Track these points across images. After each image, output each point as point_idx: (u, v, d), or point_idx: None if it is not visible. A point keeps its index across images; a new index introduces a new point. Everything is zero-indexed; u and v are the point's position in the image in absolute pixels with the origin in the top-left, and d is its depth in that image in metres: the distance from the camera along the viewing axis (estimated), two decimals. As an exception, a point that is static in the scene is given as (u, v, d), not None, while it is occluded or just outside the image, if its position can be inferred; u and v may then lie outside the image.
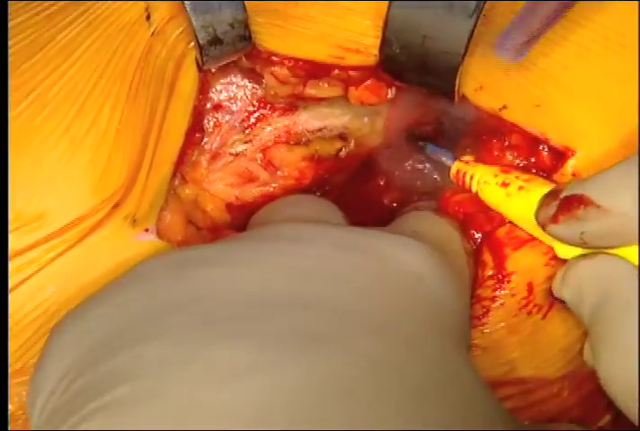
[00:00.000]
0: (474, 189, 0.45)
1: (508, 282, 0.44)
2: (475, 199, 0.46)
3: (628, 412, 0.33)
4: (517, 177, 0.42)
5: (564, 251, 0.40)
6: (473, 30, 0.40)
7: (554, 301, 0.43)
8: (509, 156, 0.45)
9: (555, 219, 0.35)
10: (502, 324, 0.44)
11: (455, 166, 0.47)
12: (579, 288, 0.37)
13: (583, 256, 0.37)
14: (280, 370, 0.29)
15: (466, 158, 0.47)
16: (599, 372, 0.35)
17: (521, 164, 0.45)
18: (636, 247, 0.35)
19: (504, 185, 0.42)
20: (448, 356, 0.34)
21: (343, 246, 0.37)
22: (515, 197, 0.41)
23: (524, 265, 0.44)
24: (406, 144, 0.53)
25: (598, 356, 0.34)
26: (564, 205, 0.35)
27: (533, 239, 0.43)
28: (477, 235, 0.46)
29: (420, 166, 0.53)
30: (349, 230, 0.40)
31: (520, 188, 0.41)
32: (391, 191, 0.54)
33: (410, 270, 0.37)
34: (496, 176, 0.43)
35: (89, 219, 0.43)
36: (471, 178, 0.45)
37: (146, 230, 0.45)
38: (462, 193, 0.47)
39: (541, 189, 0.40)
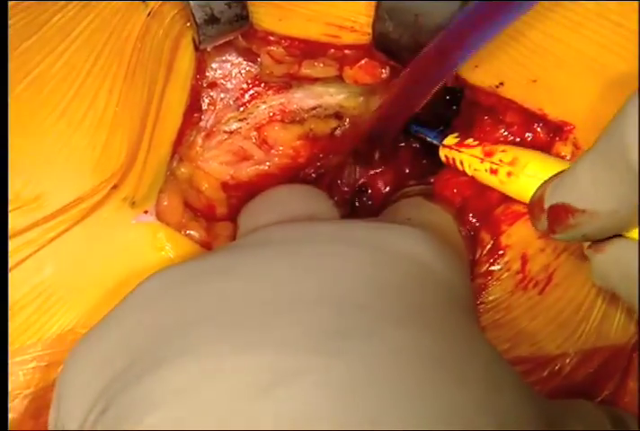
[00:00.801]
0: (469, 174, 0.45)
1: (502, 256, 0.44)
2: (472, 182, 0.46)
3: None
4: (501, 160, 0.42)
5: None
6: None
7: (551, 275, 0.44)
8: (504, 134, 0.46)
9: (552, 231, 0.36)
10: (500, 301, 0.44)
11: (442, 153, 0.47)
12: (605, 274, 0.37)
13: (595, 250, 0.37)
14: (319, 371, 0.28)
15: (450, 140, 0.47)
16: None
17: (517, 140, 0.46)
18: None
19: (493, 172, 0.42)
20: (470, 336, 0.35)
21: (343, 241, 0.37)
22: (508, 185, 0.41)
23: (518, 238, 0.44)
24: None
25: None
26: (552, 217, 0.35)
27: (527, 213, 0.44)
28: (473, 220, 0.47)
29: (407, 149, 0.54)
30: (343, 225, 0.40)
31: (509, 174, 0.41)
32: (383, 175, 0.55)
33: (413, 257, 0.37)
34: (483, 162, 0.43)
35: (88, 200, 0.43)
36: (462, 163, 0.45)
37: (146, 212, 0.45)
38: (459, 176, 0.47)
39: (528, 168, 0.40)
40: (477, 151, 0.44)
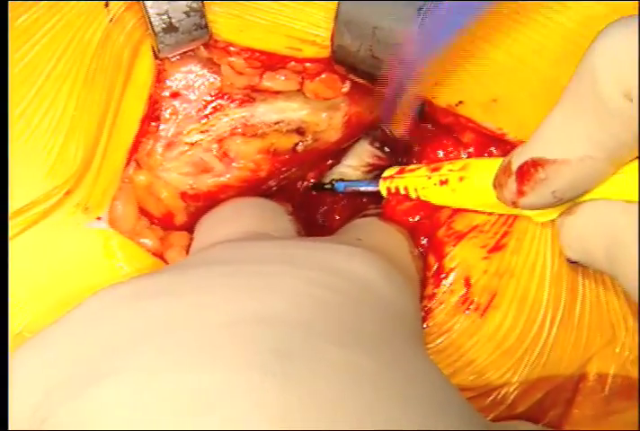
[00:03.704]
0: (420, 199, 0.45)
1: (445, 278, 0.44)
2: (420, 206, 0.46)
3: None
4: (450, 170, 0.42)
5: (540, 216, 0.40)
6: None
7: (492, 298, 0.43)
8: (462, 155, 0.46)
9: (520, 193, 0.35)
10: (441, 324, 0.44)
11: (382, 186, 0.47)
12: (582, 246, 0.36)
13: (567, 213, 0.37)
14: (255, 391, 0.28)
15: (389, 171, 0.47)
16: None
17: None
18: (610, 183, 0.34)
19: (443, 183, 0.42)
20: (414, 359, 0.34)
21: (288, 262, 0.37)
22: (461, 190, 0.41)
23: (461, 260, 0.44)
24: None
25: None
26: (520, 176, 0.35)
27: (470, 231, 0.43)
28: (423, 242, 0.47)
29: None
30: (291, 244, 0.40)
31: (461, 178, 0.41)
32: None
33: (359, 278, 0.37)
34: (430, 178, 0.43)
35: (41, 205, 0.43)
36: (405, 189, 0.45)
37: (98, 218, 0.45)
38: (406, 202, 0.47)
39: (480, 169, 0.40)
40: (422, 170, 0.44)
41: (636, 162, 0.33)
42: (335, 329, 0.32)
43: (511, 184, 0.35)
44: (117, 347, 0.31)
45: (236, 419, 0.27)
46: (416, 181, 0.44)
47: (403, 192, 0.45)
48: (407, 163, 0.49)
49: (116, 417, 0.28)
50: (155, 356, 0.30)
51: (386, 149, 0.54)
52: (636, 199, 0.33)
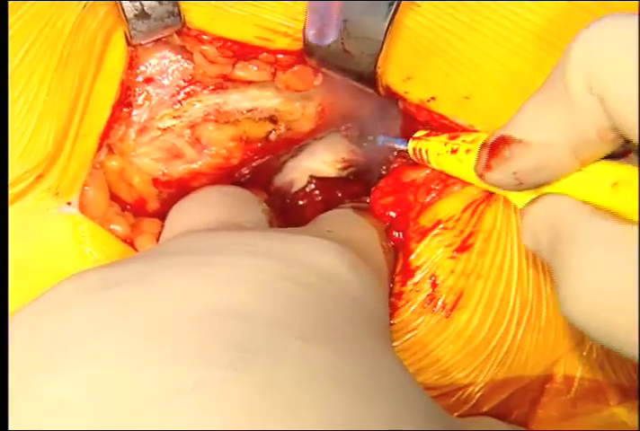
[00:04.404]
0: (433, 164, 0.45)
1: (411, 277, 0.44)
2: (397, 203, 0.46)
3: (598, 338, 0.33)
4: (464, 141, 0.42)
5: (520, 202, 0.40)
6: (392, 18, 0.40)
7: (458, 298, 0.43)
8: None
9: (488, 167, 0.35)
10: (407, 323, 0.44)
11: (410, 145, 0.47)
12: (533, 232, 0.36)
13: (530, 203, 0.37)
14: (215, 384, 0.28)
15: (420, 133, 0.47)
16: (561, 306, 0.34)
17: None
18: (574, 179, 0.34)
19: (454, 152, 0.42)
20: (380, 355, 0.34)
21: (256, 254, 0.37)
22: (466, 162, 0.41)
23: (428, 259, 0.44)
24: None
25: (559, 291, 0.33)
26: (491, 150, 0.35)
27: (434, 226, 0.44)
28: (397, 236, 0.47)
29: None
30: (260, 235, 0.40)
31: (467, 151, 0.41)
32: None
33: (326, 272, 0.37)
34: (446, 145, 0.43)
35: (11, 189, 0.43)
36: (427, 153, 0.45)
37: (69, 203, 0.45)
38: (388, 196, 0.48)
39: None
40: (444, 137, 0.44)
41: (603, 163, 0.34)
42: (300, 323, 0.32)
43: (483, 157, 0.36)
44: (75, 338, 0.31)
45: (195, 413, 0.27)
46: (436, 146, 0.44)
47: (425, 157, 0.45)
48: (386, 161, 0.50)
49: (67, 411, 0.28)
50: (114, 349, 0.30)
51: (364, 144, 0.55)
52: (593, 201, 0.34)
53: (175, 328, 0.31)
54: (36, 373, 0.30)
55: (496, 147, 0.34)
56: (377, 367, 0.33)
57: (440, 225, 0.44)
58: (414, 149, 0.46)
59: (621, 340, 0.30)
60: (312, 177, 0.54)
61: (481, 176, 0.36)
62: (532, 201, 0.37)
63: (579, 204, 0.34)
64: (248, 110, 0.49)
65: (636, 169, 0.32)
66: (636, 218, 0.31)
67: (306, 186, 0.54)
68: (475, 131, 0.44)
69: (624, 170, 0.32)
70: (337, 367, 0.31)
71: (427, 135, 0.46)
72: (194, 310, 0.32)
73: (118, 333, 0.31)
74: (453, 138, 0.43)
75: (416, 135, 0.47)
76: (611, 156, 0.33)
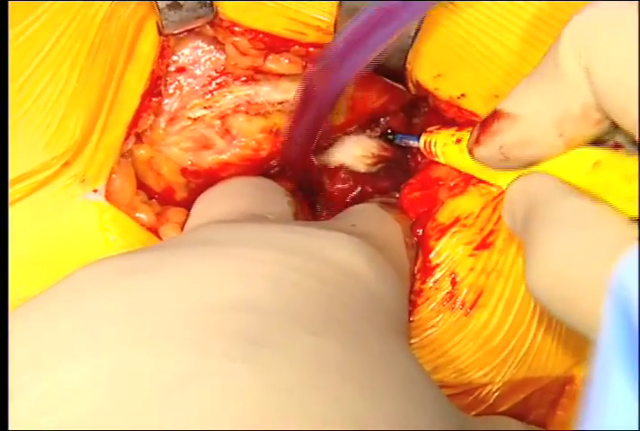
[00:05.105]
0: (440, 157, 0.45)
1: (431, 275, 0.44)
2: (424, 199, 0.46)
3: (557, 315, 0.33)
4: (468, 131, 0.42)
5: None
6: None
7: (478, 296, 0.43)
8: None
9: (477, 142, 0.36)
10: (425, 320, 0.44)
11: (422, 138, 0.47)
12: (511, 208, 0.37)
13: (514, 180, 0.37)
14: (222, 375, 0.28)
15: (431, 128, 0.47)
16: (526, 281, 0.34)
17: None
18: (558, 162, 0.34)
19: (458, 141, 0.42)
20: (394, 351, 0.34)
21: (275, 248, 0.36)
22: (466, 151, 0.41)
23: (447, 257, 0.44)
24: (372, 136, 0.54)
25: (526, 265, 0.33)
26: (482, 125, 0.35)
27: (453, 224, 0.43)
28: (420, 233, 0.46)
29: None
30: (282, 228, 0.40)
31: None
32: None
33: (345, 267, 0.37)
34: (453, 135, 0.43)
35: (38, 175, 0.43)
36: (435, 145, 0.45)
37: (95, 191, 0.45)
38: (415, 192, 0.47)
39: None
40: (453, 129, 0.44)
41: (587, 147, 0.33)
42: (313, 317, 0.32)
43: (475, 132, 0.36)
44: (85, 326, 0.31)
45: (198, 404, 0.27)
46: (444, 137, 0.44)
47: (434, 149, 0.45)
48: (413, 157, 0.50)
49: (76, 398, 0.28)
50: (122, 338, 0.30)
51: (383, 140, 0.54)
52: (573, 181, 0.34)
53: (184, 319, 0.31)
54: (45, 359, 0.30)
55: (487, 122, 0.35)
56: (390, 364, 0.33)
57: (459, 222, 0.44)
58: (425, 142, 0.46)
59: (577, 320, 0.30)
60: (343, 170, 0.54)
61: (470, 151, 0.37)
62: (515, 179, 0.37)
63: (559, 182, 0.34)
64: (279, 103, 0.49)
65: (619, 154, 0.33)
66: (614, 199, 0.31)
67: (336, 179, 0.54)
68: None
69: (606, 152, 0.33)
70: (348, 362, 0.31)
71: (437, 128, 0.46)
72: (205, 301, 0.32)
73: (127, 322, 0.31)
74: (461, 129, 0.43)
75: (429, 129, 0.47)
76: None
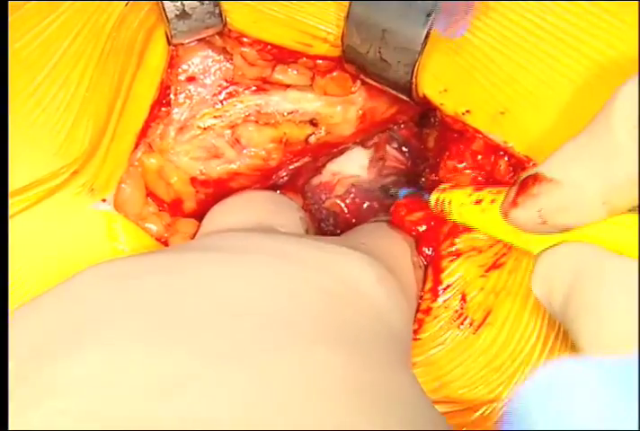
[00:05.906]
0: (454, 215, 0.44)
1: (442, 293, 0.44)
2: (427, 218, 0.46)
3: None
4: (489, 192, 0.42)
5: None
6: (430, 29, 0.39)
7: (486, 315, 0.43)
8: (469, 160, 0.45)
9: (514, 203, 0.34)
10: (434, 338, 0.44)
11: (433, 196, 0.46)
12: (547, 279, 0.35)
13: (549, 248, 0.36)
14: (218, 378, 0.28)
15: (443, 186, 0.47)
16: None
17: (480, 178, 0.45)
18: (600, 229, 0.33)
19: (478, 202, 0.42)
20: (395, 369, 0.34)
21: (287, 259, 0.37)
22: (489, 211, 0.41)
23: (460, 277, 0.44)
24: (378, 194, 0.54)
25: (582, 343, 0.32)
26: (520, 187, 0.34)
27: (470, 250, 0.43)
28: (428, 252, 0.46)
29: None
30: (294, 240, 0.40)
31: (492, 201, 0.40)
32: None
33: (353, 283, 0.37)
34: (470, 195, 0.43)
35: (47, 183, 0.43)
36: (449, 204, 0.45)
37: (104, 200, 0.45)
38: (416, 213, 0.47)
39: None
40: (469, 189, 0.44)
41: (636, 216, 0.32)
42: (316, 328, 0.32)
43: (511, 193, 0.35)
44: (89, 324, 0.32)
45: (190, 404, 0.27)
46: (460, 197, 0.44)
47: (447, 207, 0.45)
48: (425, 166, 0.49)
49: (78, 390, 0.28)
50: (132, 336, 0.30)
51: (404, 149, 0.54)
52: (624, 253, 0.33)
53: (194, 321, 0.31)
54: (51, 354, 0.30)
55: (525, 184, 0.34)
56: (388, 381, 0.33)
57: (476, 249, 0.44)
58: (437, 200, 0.46)
59: None
60: (352, 185, 0.54)
61: (505, 214, 0.35)
62: (550, 248, 0.36)
63: (598, 249, 0.33)
64: (289, 113, 0.49)
65: None
66: None
67: (345, 194, 0.54)
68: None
69: None
70: (344, 376, 0.31)
71: (451, 187, 0.46)
72: (217, 305, 0.32)
73: (129, 322, 0.31)
74: (478, 190, 0.43)
75: (441, 187, 0.47)
76: None
